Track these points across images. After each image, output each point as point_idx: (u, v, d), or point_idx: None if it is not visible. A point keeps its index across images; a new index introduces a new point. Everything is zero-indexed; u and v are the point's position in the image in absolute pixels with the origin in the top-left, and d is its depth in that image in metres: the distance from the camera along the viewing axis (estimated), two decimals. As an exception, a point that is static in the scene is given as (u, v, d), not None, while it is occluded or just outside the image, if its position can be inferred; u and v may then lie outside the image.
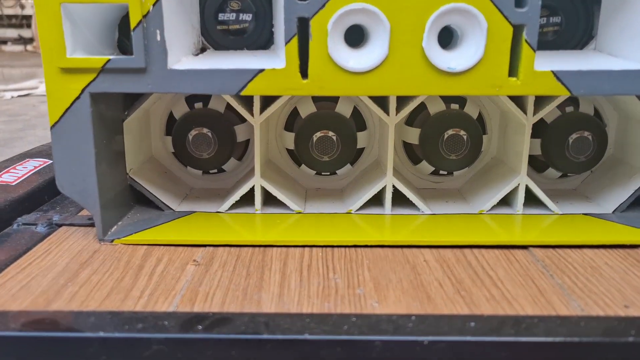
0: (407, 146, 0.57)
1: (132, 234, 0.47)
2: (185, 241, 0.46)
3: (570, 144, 0.53)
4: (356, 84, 0.42)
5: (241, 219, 0.50)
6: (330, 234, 0.47)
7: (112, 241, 0.46)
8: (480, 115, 0.56)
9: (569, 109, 0.54)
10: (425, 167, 0.56)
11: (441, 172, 0.57)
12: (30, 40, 5.27)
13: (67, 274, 0.41)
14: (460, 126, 0.53)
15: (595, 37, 0.50)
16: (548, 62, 0.43)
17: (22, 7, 5.26)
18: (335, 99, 0.55)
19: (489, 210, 0.52)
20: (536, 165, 0.57)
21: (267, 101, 0.51)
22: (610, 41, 0.47)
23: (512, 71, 0.43)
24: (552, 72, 0.42)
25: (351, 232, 0.47)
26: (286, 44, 0.41)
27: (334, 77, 0.42)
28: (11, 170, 0.61)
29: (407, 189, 0.51)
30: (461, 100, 0.55)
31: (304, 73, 0.42)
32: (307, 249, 0.45)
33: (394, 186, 0.51)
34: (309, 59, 0.42)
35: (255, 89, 0.42)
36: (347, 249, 0.45)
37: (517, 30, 0.41)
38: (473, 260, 0.43)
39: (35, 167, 0.62)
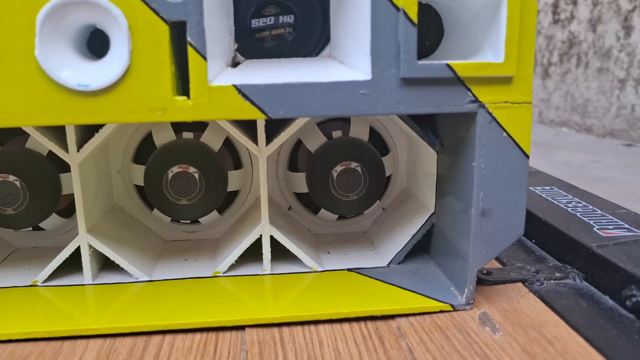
0: (139, 189, 0.44)
1: None
2: None
3: (335, 179, 0.42)
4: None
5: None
6: None
7: None
8: (228, 142, 0.43)
9: (337, 133, 0.43)
10: (159, 214, 0.43)
11: (182, 220, 0.44)
12: None
13: None
14: (189, 161, 0.41)
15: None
16: (235, 74, 0.31)
17: None
18: (201, 127, 0.42)
19: (228, 271, 0.39)
20: (310, 205, 0.45)
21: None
22: (341, 45, 0.36)
23: (181, 88, 0.30)
24: (235, 87, 0.30)
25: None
26: None
27: None
28: None
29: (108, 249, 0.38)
30: (199, 126, 0.42)
31: None
32: None
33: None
34: None
35: None
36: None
37: (176, 29, 0.29)
38: (163, 355, 0.30)
39: None
